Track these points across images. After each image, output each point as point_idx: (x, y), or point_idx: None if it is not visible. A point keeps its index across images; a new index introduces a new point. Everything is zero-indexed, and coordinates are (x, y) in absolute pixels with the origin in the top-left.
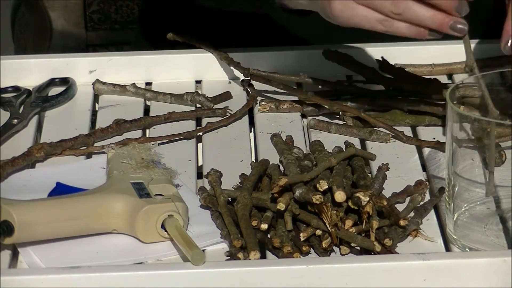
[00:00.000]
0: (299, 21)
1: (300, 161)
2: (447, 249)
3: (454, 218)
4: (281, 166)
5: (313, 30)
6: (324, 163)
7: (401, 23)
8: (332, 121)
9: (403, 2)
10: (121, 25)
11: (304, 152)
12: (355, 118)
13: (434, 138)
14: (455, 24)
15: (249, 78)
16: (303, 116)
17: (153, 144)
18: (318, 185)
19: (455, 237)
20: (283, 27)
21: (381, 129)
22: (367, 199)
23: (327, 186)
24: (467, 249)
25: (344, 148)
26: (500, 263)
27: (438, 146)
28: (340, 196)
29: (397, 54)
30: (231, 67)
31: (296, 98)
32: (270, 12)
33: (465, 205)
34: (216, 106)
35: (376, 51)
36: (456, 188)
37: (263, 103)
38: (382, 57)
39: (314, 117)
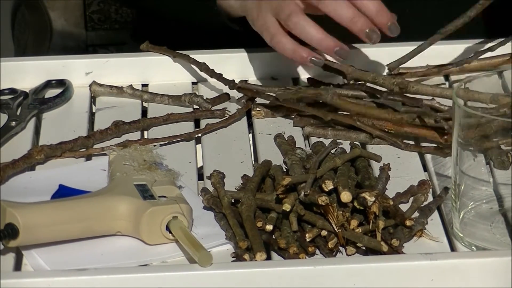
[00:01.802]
0: None
1: (304, 161)
2: (452, 248)
3: (460, 217)
4: (283, 167)
5: None
6: (329, 163)
7: (288, 44)
8: (328, 127)
9: (298, 17)
10: (121, 25)
11: (307, 153)
12: (350, 127)
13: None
14: (340, 51)
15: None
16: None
17: (154, 146)
18: (323, 185)
19: (462, 235)
20: None
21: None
22: (373, 199)
23: (333, 187)
24: (473, 247)
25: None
26: (508, 263)
27: (438, 152)
28: (346, 196)
29: (391, 55)
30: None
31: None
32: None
33: (471, 203)
34: (214, 107)
35: (371, 51)
36: (462, 187)
37: (257, 109)
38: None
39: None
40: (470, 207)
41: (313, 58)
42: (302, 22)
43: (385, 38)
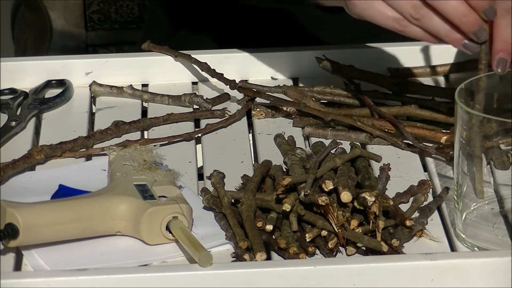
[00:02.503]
0: (314, 20)
1: (304, 161)
2: (452, 248)
3: (463, 218)
4: (283, 167)
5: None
6: (329, 163)
7: (416, 28)
8: (328, 127)
9: (424, 10)
10: (121, 25)
11: (307, 153)
12: (350, 127)
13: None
14: (469, 43)
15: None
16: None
17: (154, 146)
18: (323, 185)
19: (464, 236)
20: (297, 25)
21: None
22: (373, 199)
23: (333, 187)
24: (476, 248)
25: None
26: (508, 263)
27: (439, 153)
28: (346, 196)
29: (393, 55)
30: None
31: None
32: (294, 10)
33: (474, 204)
34: (214, 107)
35: (371, 51)
36: (464, 188)
37: (258, 109)
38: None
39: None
40: (472, 208)
41: (467, 43)
42: (430, 13)
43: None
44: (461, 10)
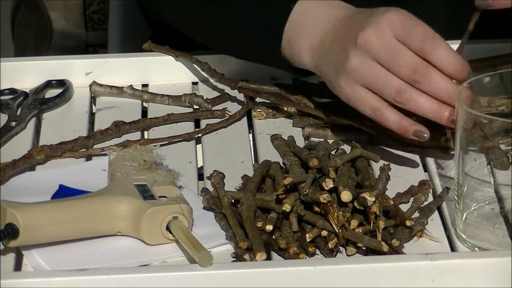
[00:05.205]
0: None
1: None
2: (452, 248)
3: (463, 218)
4: (283, 167)
5: None
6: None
7: (391, 116)
8: (328, 127)
9: (408, 93)
10: None
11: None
12: (350, 128)
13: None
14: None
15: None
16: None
17: (154, 146)
18: (323, 184)
19: (465, 236)
20: None
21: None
22: (373, 199)
23: (333, 185)
24: (476, 249)
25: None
26: (508, 263)
27: (438, 152)
28: (346, 196)
29: None
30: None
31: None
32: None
33: (474, 204)
34: (214, 108)
35: None
36: (465, 188)
37: (258, 110)
38: None
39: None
40: (473, 208)
41: (416, 131)
42: (414, 96)
43: None
44: (434, 105)
